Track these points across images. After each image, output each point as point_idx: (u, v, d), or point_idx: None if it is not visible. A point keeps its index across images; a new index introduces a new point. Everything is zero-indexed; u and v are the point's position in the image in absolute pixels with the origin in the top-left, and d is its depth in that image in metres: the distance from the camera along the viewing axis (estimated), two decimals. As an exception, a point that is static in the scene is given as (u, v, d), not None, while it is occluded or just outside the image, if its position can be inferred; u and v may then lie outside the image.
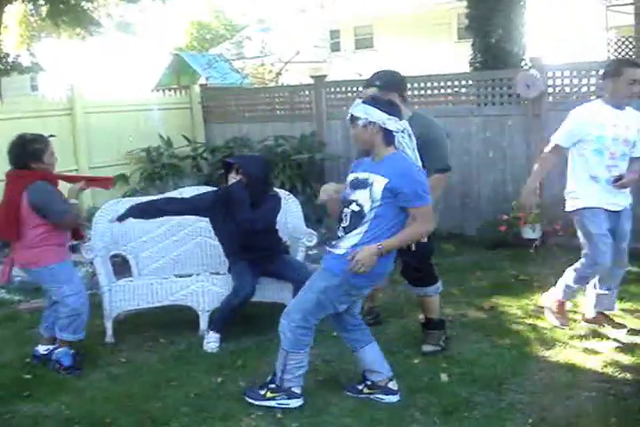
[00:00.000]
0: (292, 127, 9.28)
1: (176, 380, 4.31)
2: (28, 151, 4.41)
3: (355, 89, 8.68)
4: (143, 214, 5.11)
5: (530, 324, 5.05)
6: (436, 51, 21.85)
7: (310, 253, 7.06)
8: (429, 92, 8.08)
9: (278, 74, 10.99)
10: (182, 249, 5.63)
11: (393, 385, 3.99)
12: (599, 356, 4.44)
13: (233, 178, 4.97)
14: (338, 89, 8.90)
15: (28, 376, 4.47)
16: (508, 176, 7.59)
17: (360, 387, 4.03)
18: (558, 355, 4.47)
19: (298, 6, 29.51)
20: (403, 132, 3.68)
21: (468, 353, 4.54)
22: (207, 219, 5.43)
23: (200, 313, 5.08)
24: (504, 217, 7.18)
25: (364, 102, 3.70)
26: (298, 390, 3.91)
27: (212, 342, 4.87)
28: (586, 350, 4.54)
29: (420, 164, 3.75)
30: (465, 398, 3.89)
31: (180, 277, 5.35)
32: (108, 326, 5.02)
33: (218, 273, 5.41)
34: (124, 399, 4.06)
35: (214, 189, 5.47)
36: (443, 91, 8.01)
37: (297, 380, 3.90)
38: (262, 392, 3.93)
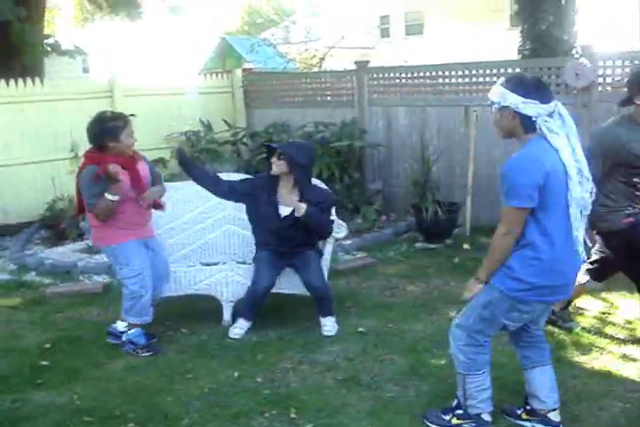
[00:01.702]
0: (332, 114, 9.08)
1: (192, 372, 4.21)
2: (105, 129, 4.34)
3: (398, 75, 8.45)
4: (199, 175, 4.89)
5: (566, 326, 4.79)
6: (489, 38, 21.39)
7: (345, 243, 6.96)
8: (474, 79, 7.80)
9: (322, 59, 10.79)
10: (209, 237, 5.50)
11: (554, 416, 3.54)
12: (637, 363, 4.19)
13: (274, 163, 4.74)
14: (381, 75, 8.66)
15: (44, 363, 4.41)
16: (553, 169, 7.29)
17: (519, 412, 3.64)
18: (593, 361, 4.24)
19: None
20: (550, 116, 3.13)
21: (499, 356, 4.31)
22: (237, 206, 5.33)
23: (223, 303, 4.96)
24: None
25: (501, 84, 3.22)
26: (487, 417, 3.51)
27: (237, 327, 4.79)
28: (624, 356, 4.30)
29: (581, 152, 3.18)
30: (491, 404, 3.69)
31: (207, 265, 5.22)
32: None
33: (244, 262, 5.28)
34: (138, 391, 3.96)
35: (259, 175, 5.28)
36: (488, 79, 7.71)
37: (483, 405, 3.49)
38: (447, 418, 3.55)
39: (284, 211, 4.78)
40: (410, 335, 4.68)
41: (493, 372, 4.03)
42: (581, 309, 5.11)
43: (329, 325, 4.76)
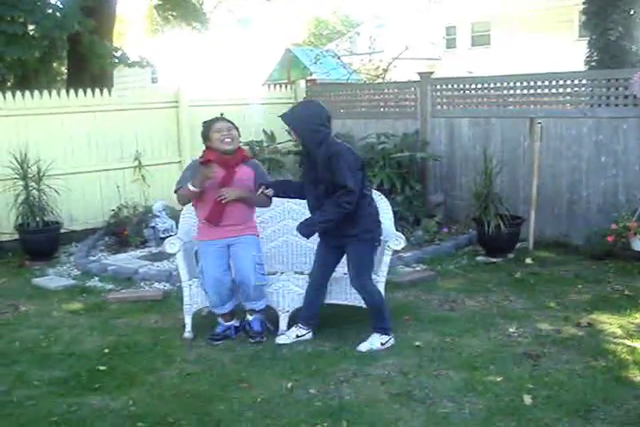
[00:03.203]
0: (395, 125, 9.05)
1: (246, 381, 4.20)
2: (203, 130, 4.93)
3: (462, 86, 8.36)
4: (284, 190, 4.92)
5: (629, 345, 4.63)
6: (557, 49, 21.05)
7: (404, 255, 6.91)
8: (539, 91, 7.67)
9: (385, 70, 10.76)
10: (269, 246, 5.53)
11: None
12: None
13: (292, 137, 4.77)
14: (444, 86, 8.59)
15: (102, 368, 4.48)
16: (620, 183, 7.10)
17: None
18: (657, 382, 4.08)
19: (414, 4, 29.09)
20: None
21: (558, 374, 4.21)
22: (295, 216, 5.40)
23: (280, 313, 4.97)
24: (612, 227, 6.72)
25: None
26: None
27: (284, 334, 4.85)
28: (690, 378, 4.13)
29: None
30: (547, 425, 3.58)
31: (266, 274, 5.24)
32: (187, 321, 4.98)
33: (302, 273, 5.28)
34: (192, 399, 3.98)
35: None
36: (554, 90, 7.57)
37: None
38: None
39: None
40: (467, 351, 4.59)
41: (552, 390, 3.94)
42: (647, 327, 4.95)
43: (368, 340, 4.70)
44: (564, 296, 5.79)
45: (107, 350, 4.78)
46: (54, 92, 8.27)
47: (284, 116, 4.60)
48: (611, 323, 5.11)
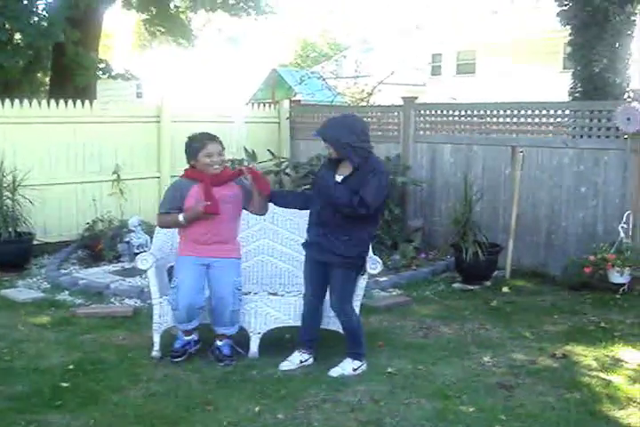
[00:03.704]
0: (377, 148, 8.72)
1: (213, 404, 4.08)
2: (188, 149, 4.68)
3: (445, 112, 8.37)
4: (282, 198, 4.90)
5: (604, 378, 4.57)
6: (541, 80, 21.26)
7: (380, 279, 6.84)
8: (522, 120, 7.68)
9: (370, 94, 10.77)
10: (243, 266, 5.35)
11: None
12: (679, 422, 3.97)
13: (327, 148, 4.50)
14: (428, 112, 8.59)
15: (65, 385, 4.34)
16: (600, 214, 7.10)
17: None
18: (630, 417, 4.00)
19: (401, 30, 29.34)
20: None
21: (532, 406, 4.13)
22: (272, 235, 5.35)
23: (251, 335, 4.86)
24: (590, 258, 6.70)
25: None
26: None
27: (287, 360, 4.71)
28: (664, 413, 4.07)
29: None
30: (519, 459, 3.52)
31: (238, 295, 5.14)
32: (156, 339, 4.84)
33: (275, 294, 5.19)
34: (155, 420, 3.86)
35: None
36: (537, 120, 7.59)
37: None
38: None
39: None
40: (440, 379, 4.50)
41: (525, 422, 3.87)
42: (620, 360, 4.89)
43: (341, 366, 4.60)
44: (540, 326, 5.73)
45: (71, 367, 4.64)
46: (35, 101, 8.15)
47: (324, 132, 4.45)
48: (586, 355, 5.05)
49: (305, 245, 4.71)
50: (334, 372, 4.56)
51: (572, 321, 5.90)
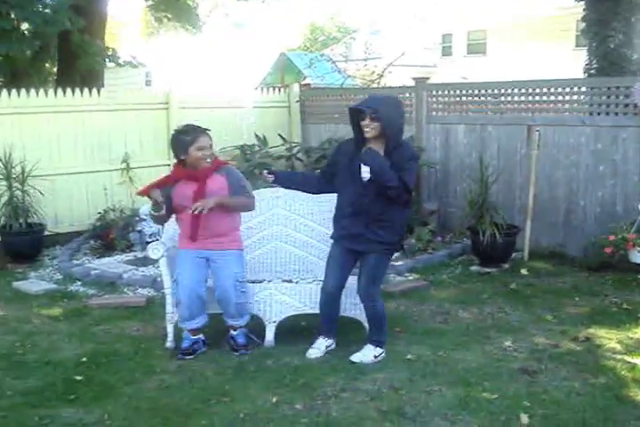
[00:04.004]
0: (389, 131, 8.86)
1: (229, 395, 3.99)
2: (176, 142, 4.49)
3: (459, 92, 8.20)
4: (286, 180, 4.71)
5: (629, 362, 4.45)
6: (553, 58, 20.96)
7: (396, 264, 6.72)
8: (537, 98, 7.50)
9: (381, 75, 10.60)
10: (256, 253, 5.32)
11: None
12: None
13: (367, 126, 4.23)
14: (440, 92, 8.42)
15: (78, 378, 4.26)
16: (619, 193, 6.94)
17: None
18: (660, 402, 3.90)
19: (411, 11, 29.01)
20: None
21: (556, 392, 4.02)
22: (286, 222, 5.23)
23: (267, 323, 4.77)
24: (610, 238, 6.55)
25: None
26: None
27: (314, 348, 4.61)
28: (694, 397, 3.95)
29: None
30: (545, 447, 3.41)
31: (252, 282, 5.01)
32: (170, 330, 4.75)
33: (290, 281, 5.09)
34: (170, 413, 3.77)
35: (344, 141, 4.75)
36: (553, 98, 7.41)
37: None
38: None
39: (366, 173, 4.27)
40: (460, 365, 4.40)
41: (550, 409, 3.76)
42: (647, 343, 4.78)
43: (362, 352, 4.50)
44: (561, 309, 5.61)
45: (84, 359, 4.56)
46: (42, 91, 8.05)
47: (378, 108, 4.22)
48: (609, 338, 4.93)
49: (340, 237, 4.50)
50: (355, 357, 4.45)
51: (594, 303, 5.77)
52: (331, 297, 4.57)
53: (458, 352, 4.63)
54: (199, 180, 4.49)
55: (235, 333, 4.66)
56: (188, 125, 4.55)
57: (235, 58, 28.32)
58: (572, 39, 22.82)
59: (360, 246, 4.42)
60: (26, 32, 12.61)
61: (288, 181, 4.72)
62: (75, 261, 7.26)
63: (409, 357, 4.52)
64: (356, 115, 4.33)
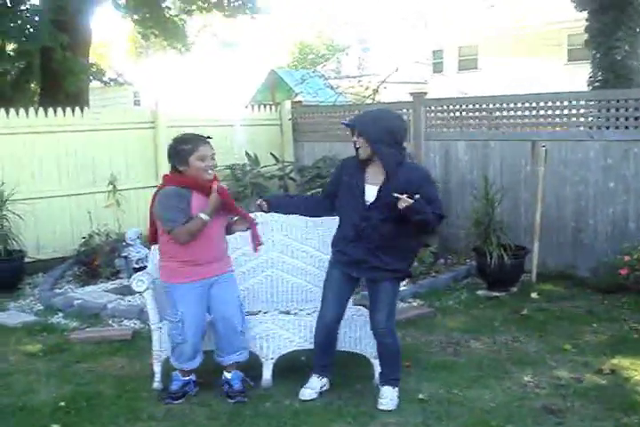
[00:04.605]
0: (386, 148, 8.50)
1: (224, 446, 3.58)
2: (174, 152, 4.04)
3: (458, 107, 7.85)
4: (282, 206, 4.32)
5: (663, 397, 4.08)
6: (546, 73, 20.76)
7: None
8: (542, 112, 7.16)
9: (375, 91, 10.28)
10: (250, 283, 4.88)
11: None
12: None
13: (355, 143, 3.90)
14: (439, 107, 8.07)
15: (55, 426, 3.83)
16: (631, 210, 6.58)
17: None
18: None
19: (400, 26, 28.83)
20: None
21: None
22: (282, 248, 4.85)
23: (263, 361, 4.34)
24: (625, 258, 6.19)
25: None
26: None
27: (307, 387, 4.17)
28: None
29: None
30: None
31: (246, 315, 4.58)
32: (157, 369, 4.32)
33: (288, 313, 4.68)
34: (157, 470, 3.36)
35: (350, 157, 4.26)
36: (558, 112, 7.07)
37: None
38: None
39: (370, 196, 3.91)
40: (478, 405, 3.99)
41: None
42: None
43: (387, 397, 4.02)
44: (579, 337, 5.22)
45: (62, 403, 4.13)
46: (22, 110, 7.66)
47: (357, 121, 3.90)
48: (635, 369, 4.55)
49: (338, 262, 4.09)
50: (385, 406, 3.98)
51: (613, 329, 5.39)
52: (328, 329, 4.16)
53: (474, 390, 4.22)
54: (209, 192, 4.01)
55: (229, 376, 4.20)
56: (187, 134, 4.13)
57: (224, 77, 28.06)
58: (565, 54, 22.66)
59: (365, 274, 4.04)
60: (11, 52, 12.32)
61: (285, 206, 4.32)
62: (57, 290, 6.85)
63: (421, 396, 4.11)
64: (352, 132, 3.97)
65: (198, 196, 4.01)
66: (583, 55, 21.86)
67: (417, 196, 3.71)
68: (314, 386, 4.18)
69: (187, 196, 4.00)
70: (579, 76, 20.25)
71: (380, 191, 3.87)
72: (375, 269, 3.96)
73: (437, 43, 25.92)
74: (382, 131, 3.80)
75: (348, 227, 4.00)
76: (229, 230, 4.26)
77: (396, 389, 4.07)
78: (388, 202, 3.80)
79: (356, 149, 3.95)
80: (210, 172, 4.03)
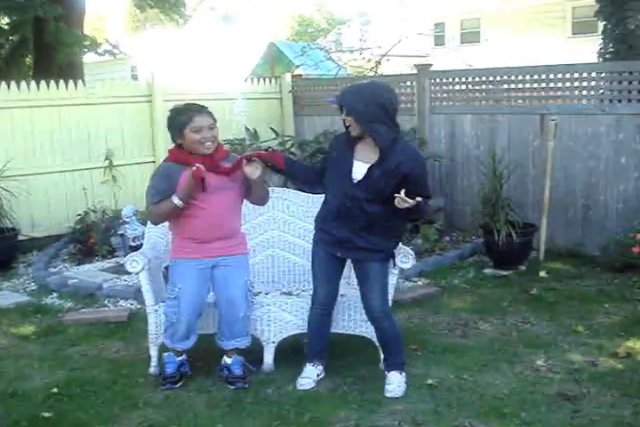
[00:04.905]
0: (389, 122, 8.25)
1: (223, 435, 3.40)
2: (171, 124, 3.80)
3: (464, 80, 7.60)
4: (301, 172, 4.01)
5: (683, 382, 3.89)
6: (548, 47, 20.42)
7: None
8: (551, 84, 6.91)
9: (378, 63, 10.01)
10: (250, 262, 4.67)
11: None
12: None
13: (345, 121, 3.66)
14: (444, 80, 7.81)
15: (47, 414, 3.64)
16: (643, 187, 6.38)
17: None
18: None
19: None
20: None
21: (604, 422, 3.44)
22: (283, 226, 4.65)
23: (264, 345, 4.15)
24: (637, 236, 5.99)
25: None
26: None
27: (304, 377, 3.97)
28: None
29: None
30: None
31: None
32: (153, 353, 4.12)
33: (290, 293, 4.48)
34: (153, 461, 3.18)
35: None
36: (569, 84, 6.82)
37: None
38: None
39: (358, 173, 3.66)
40: (490, 391, 3.81)
41: None
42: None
43: (394, 383, 3.83)
44: (591, 318, 5.03)
45: (55, 390, 3.94)
46: (13, 83, 7.41)
47: (343, 98, 3.62)
48: (652, 352, 4.36)
49: (322, 241, 3.87)
50: (392, 393, 3.78)
51: (626, 310, 5.19)
52: (321, 311, 3.97)
53: (485, 374, 4.04)
54: (212, 168, 3.76)
55: (229, 361, 4.01)
56: (185, 104, 3.88)
57: (222, 51, 27.65)
58: (569, 27, 22.29)
59: (350, 254, 3.82)
60: (5, 26, 12.01)
61: (292, 169, 3.97)
62: (52, 269, 6.66)
63: (430, 382, 3.92)
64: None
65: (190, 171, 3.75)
66: (588, 28, 21.70)
67: (418, 198, 3.51)
68: (310, 375, 3.98)
69: (177, 173, 3.77)
70: (582, 50, 19.96)
71: (370, 170, 3.63)
72: (360, 250, 3.74)
73: (439, 15, 25.52)
74: (372, 107, 3.53)
75: (333, 204, 3.76)
76: (251, 193, 3.98)
77: (403, 374, 3.89)
78: (377, 182, 3.60)
79: (346, 127, 3.70)
80: (208, 144, 3.76)
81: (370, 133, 3.59)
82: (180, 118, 3.75)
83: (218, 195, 3.80)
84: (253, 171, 3.75)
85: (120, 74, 25.75)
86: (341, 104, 3.65)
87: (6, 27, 13.36)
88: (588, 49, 11.41)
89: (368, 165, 3.63)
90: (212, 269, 3.93)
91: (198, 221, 3.81)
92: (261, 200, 4.11)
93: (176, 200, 3.70)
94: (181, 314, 3.86)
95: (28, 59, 13.85)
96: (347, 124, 3.67)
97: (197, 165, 3.63)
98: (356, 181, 3.65)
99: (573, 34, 22.01)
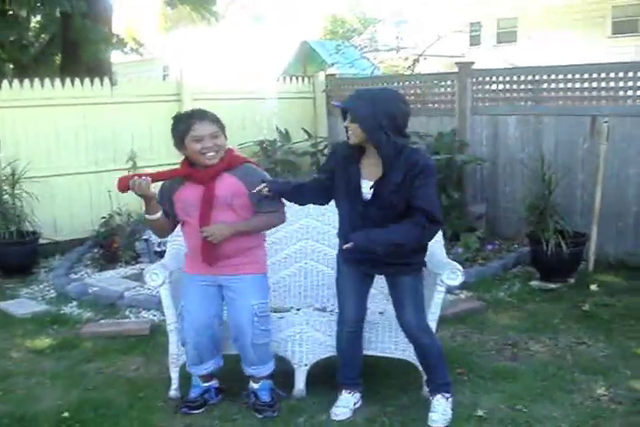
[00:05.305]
0: (427, 123, 7.86)
1: (248, 474, 3.04)
2: (173, 133, 3.46)
3: (508, 79, 7.17)
4: (288, 193, 3.62)
5: None
6: (588, 47, 19.85)
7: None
8: (603, 84, 6.46)
9: (415, 61, 9.63)
10: (281, 275, 4.31)
11: None
12: None
13: (347, 129, 3.28)
14: (487, 79, 7.39)
15: (56, 444, 3.32)
16: None
17: None
18: None
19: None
20: None
21: None
22: (317, 236, 4.29)
23: (295, 368, 3.77)
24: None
25: None
26: None
27: (340, 406, 3.59)
28: None
29: None
30: None
31: (275, 312, 4.03)
32: (174, 375, 3.77)
33: (324, 310, 4.11)
34: None
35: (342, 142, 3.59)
36: (621, 84, 6.37)
37: None
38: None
39: (368, 192, 3.30)
40: (548, 426, 3.40)
41: None
42: None
43: (439, 411, 3.43)
44: (654, 339, 4.59)
45: (67, 414, 3.61)
46: (36, 81, 7.14)
47: (349, 104, 3.25)
48: None
49: (348, 260, 3.49)
50: (437, 422, 3.40)
51: (694, 330, 4.75)
52: (352, 335, 3.60)
53: (540, 405, 3.62)
54: (203, 182, 3.42)
55: (256, 386, 3.63)
56: (187, 111, 3.53)
57: (255, 50, 27.44)
58: (609, 26, 21.68)
59: (378, 271, 3.49)
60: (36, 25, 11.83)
61: (289, 194, 3.63)
62: (72, 275, 6.39)
63: (479, 413, 3.51)
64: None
65: (192, 185, 3.45)
66: (628, 28, 21.09)
67: (348, 244, 3.22)
68: (346, 403, 3.60)
69: (173, 187, 3.50)
70: (622, 49, 19.27)
71: (378, 187, 3.25)
72: (389, 265, 3.38)
73: (475, 15, 25.03)
74: (380, 115, 3.13)
75: (347, 223, 3.40)
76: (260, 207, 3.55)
77: (450, 399, 3.49)
78: (388, 199, 3.23)
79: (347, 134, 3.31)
80: (210, 155, 3.38)
81: (374, 144, 3.20)
82: (181, 127, 3.39)
83: (213, 211, 3.43)
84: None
85: (151, 73, 25.68)
86: (345, 110, 3.26)
87: (37, 26, 13.23)
88: (627, 49, 10.95)
89: (374, 182, 3.26)
90: (219, 288, 3.57)
91: (195, 237, 3.46)
92: (269, 229, 3.72)
93: (145, 215, 3.52)
94: (185, 334, 3.55)
95: (57, 58, 13.69)
96: (349, 132, 3.28)
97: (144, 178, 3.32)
98: (366, 200, 3.30)
99: (613, 34, 21.43)
